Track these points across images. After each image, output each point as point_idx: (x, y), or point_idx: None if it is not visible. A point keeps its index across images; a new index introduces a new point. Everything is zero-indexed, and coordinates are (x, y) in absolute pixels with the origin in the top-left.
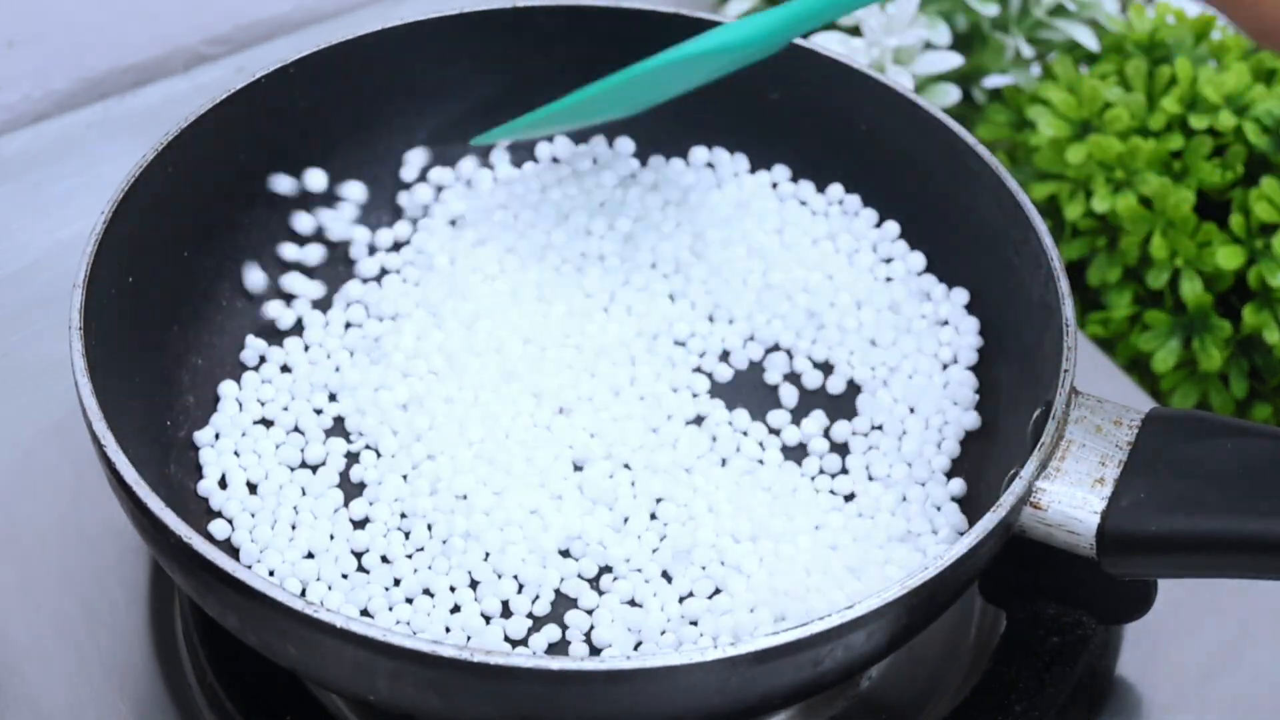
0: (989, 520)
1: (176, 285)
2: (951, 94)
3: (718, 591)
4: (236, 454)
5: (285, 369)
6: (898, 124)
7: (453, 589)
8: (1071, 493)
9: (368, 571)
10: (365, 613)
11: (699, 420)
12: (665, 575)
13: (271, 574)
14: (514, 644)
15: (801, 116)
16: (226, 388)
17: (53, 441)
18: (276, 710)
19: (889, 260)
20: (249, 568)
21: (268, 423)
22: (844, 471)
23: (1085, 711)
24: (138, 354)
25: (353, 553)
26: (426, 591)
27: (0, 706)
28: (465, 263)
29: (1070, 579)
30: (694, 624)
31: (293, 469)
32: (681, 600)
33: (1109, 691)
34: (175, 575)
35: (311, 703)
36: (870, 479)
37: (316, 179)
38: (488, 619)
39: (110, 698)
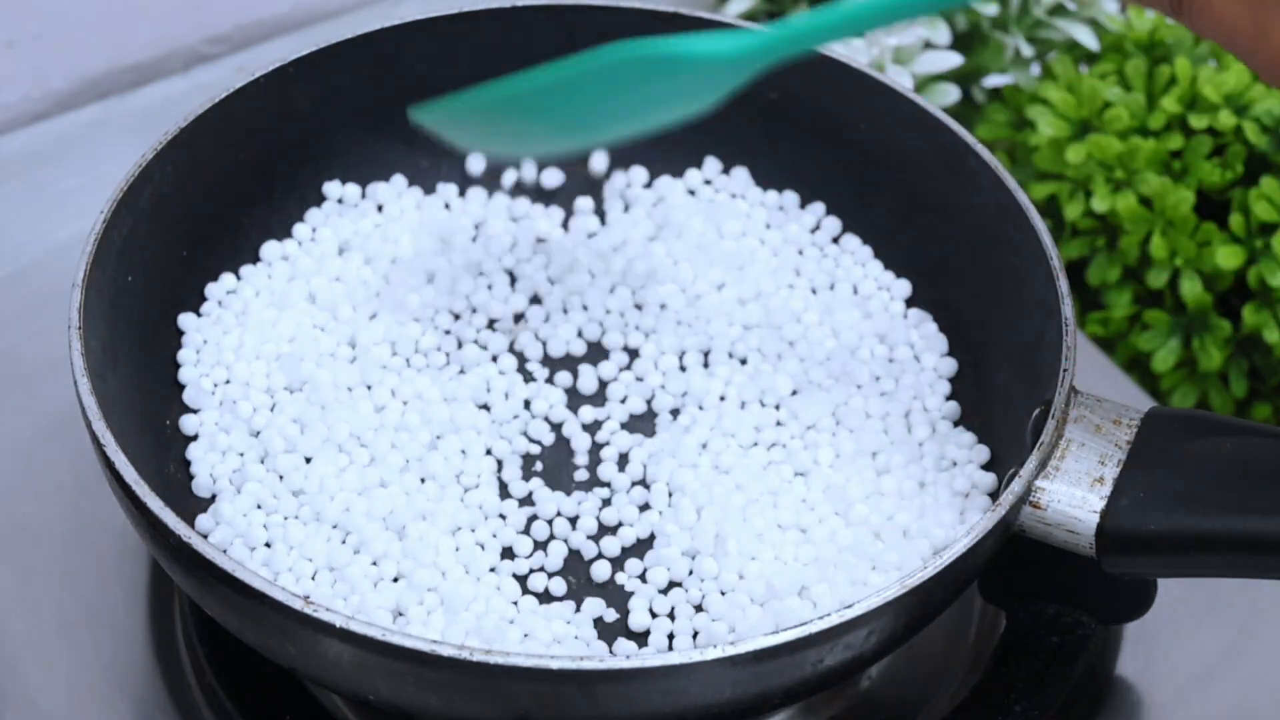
0: (988, 519)
1: (176, 285)
2: (951, 94)
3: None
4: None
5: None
6: (897, 124)
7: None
8: (1071, 492)
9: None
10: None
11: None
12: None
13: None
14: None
15: (800, 116)
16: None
17: (53, 441)
18: (276, 710)
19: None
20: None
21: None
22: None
23: (1085, 711)
24: (137, 354)
25: (352, 550)
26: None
27: (0, 706)
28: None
29: (1070, 579)
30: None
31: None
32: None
33: (1109, 691)
34: (175, 575)
35: (311, 703)
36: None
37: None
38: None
39: (110, 697)
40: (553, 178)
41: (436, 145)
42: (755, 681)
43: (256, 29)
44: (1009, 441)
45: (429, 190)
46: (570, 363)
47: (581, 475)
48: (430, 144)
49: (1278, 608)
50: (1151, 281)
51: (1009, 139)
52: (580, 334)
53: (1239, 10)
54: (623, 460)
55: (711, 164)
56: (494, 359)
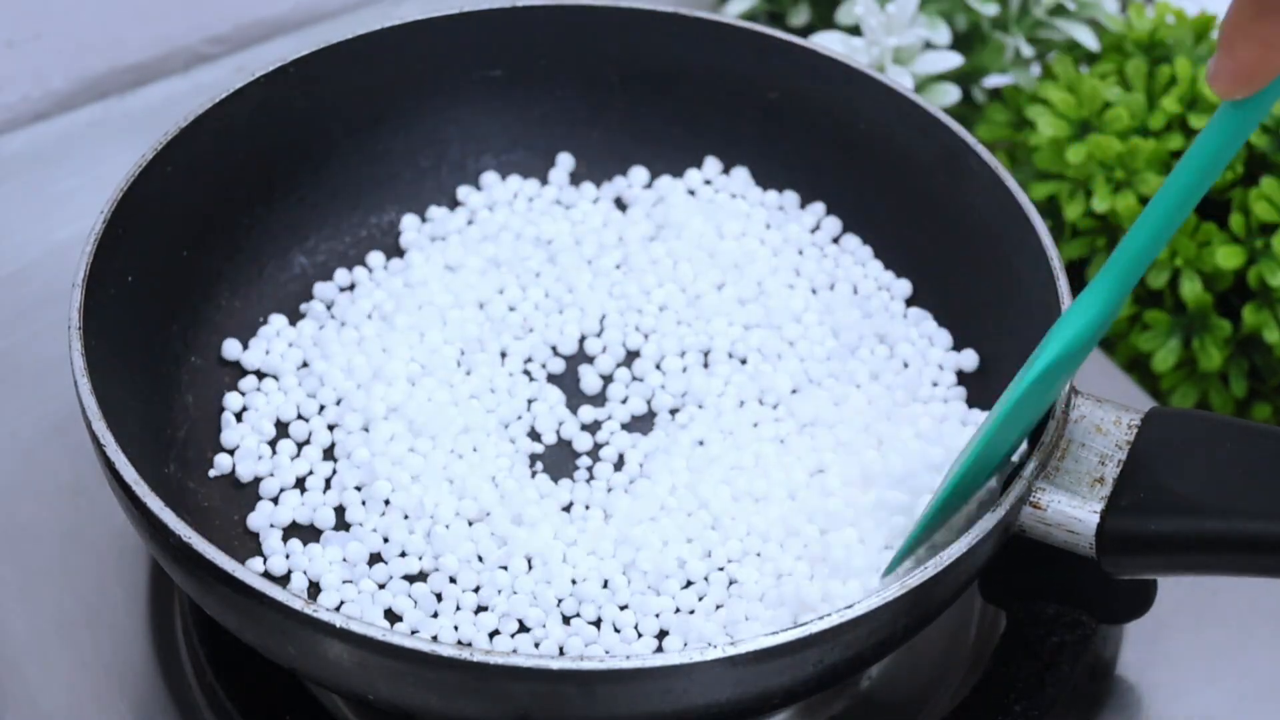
0: (988, 520)
1: (176, 285)
2: (951, 94)
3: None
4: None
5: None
6: (897, 124)
7: (453, 580)
8: (1071, 493)
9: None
10: (391, 615)
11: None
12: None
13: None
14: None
15: (800, 116)
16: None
17: (53, 441)
18: (276, 710)
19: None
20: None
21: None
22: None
23: (1085, 711)
24: (137, 354)
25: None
26: (433, 592)
27: (0, 706)
28: (447, 275)
29: (1070, 579)
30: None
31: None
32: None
33: (1109, 691)
34: (175, 575)
35: (311, 703)
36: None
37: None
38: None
39: (110, 697)
40: (557, 177)
41: (436, 146)
42: (756, 681)
43: (256, 29)
44: None
45: (432, 190)
46: (570, 363)
47: (581, 475)
48: (430, 144)
49: (1278, 607)
50: (1151, 281)
51: (1009, 139)
52: (580, 334)
53: None
54: (621, 460)
55: (711, 164)
56: (502, 356)
